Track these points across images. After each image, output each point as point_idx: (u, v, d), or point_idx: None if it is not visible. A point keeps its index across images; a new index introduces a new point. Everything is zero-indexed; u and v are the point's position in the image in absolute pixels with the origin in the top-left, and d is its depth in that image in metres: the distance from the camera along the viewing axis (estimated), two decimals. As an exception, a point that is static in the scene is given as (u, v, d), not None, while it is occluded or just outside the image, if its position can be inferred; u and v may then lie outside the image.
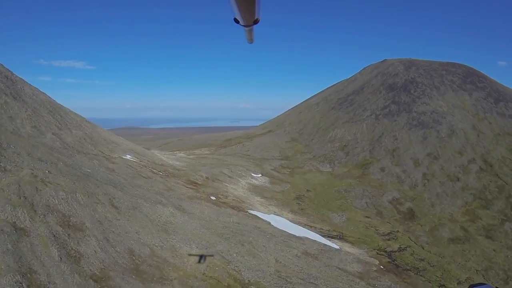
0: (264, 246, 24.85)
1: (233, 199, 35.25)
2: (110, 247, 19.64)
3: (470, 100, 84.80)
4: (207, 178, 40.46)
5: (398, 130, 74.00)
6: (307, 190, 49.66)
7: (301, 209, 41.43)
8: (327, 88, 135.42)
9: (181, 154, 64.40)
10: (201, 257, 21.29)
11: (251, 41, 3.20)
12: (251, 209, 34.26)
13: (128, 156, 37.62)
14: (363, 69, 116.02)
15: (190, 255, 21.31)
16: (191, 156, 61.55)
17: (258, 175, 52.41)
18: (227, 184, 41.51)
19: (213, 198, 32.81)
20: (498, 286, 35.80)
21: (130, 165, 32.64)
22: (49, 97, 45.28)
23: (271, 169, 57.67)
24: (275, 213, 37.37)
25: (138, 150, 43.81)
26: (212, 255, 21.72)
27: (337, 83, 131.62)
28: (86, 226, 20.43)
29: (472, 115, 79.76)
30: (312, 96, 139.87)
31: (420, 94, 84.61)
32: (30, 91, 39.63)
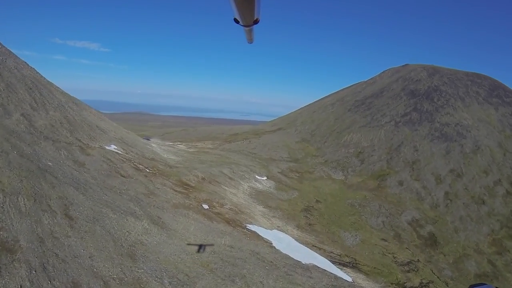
0: (261, 282, 18.82)
1: (230, 209, 29.24)
2: (45, 280, 13.84)
3: (496, 115, 77.42)
4: (203, 179, 34.49)
5: (419, 140, 67.17)
6: (317, 201, 43.47)
7: (309, 225, 35.31)
8: (343, 89, 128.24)
9: (181, 146, 58.66)
10: None
11: (251, 41, 3.16)
12: (250, 223, 28.27)
13: (112, 147, 31.79)
14: (382, 72, 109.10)
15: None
16: (191, 149, 55.73)
17: (263, 178, 46.36)
18: (225, 188, 35.56)
19: (205, 206, 26.84)
20: (498, 286, 32.43)
21: (109, 159, 26.75)
22: (37, 73, 39.67)
23: (278, 172, 51.51)
24: (278, 228, 31.38)
25: (129, 140, 38.01)
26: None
27: (354, 85, 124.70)
28: (20, 245, 14.65)
29: (498, 131, 72.39)
30: (326, 96, 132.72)
31: (443, 104, 77.51)
32: (13, 64, 33.95)
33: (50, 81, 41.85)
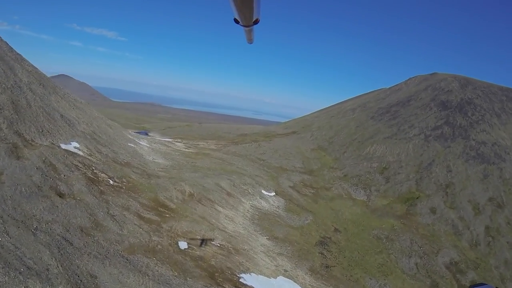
0: None
1: (220, 247, 20.45)
2: None
3: (536, 136, 67.19)
4: (190, 195, 25.78)
5: (452, 159, 57.29)
6: (335, 230, 34.38)
7: (326, 267, 26.33)
8: (365, 94, 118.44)
9: (179, 145, 50.24)
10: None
11: (251, 41, 3.13)
12: (246, 271, 19.52)
13: (72, 145, 23.31)
14: (408, 80, 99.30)
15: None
16: (189, 150, 47.22)
17: (270, 194, 37.46)
18: (220, 209, 26.81)
19: (182, 246, 18.10)
20: (498, 286, 29.57)
21: (51, 165, 18.23)
22: (7, 46, 31.82)
23: (290, 186, 42.53)
24: (285, 274, 22.57)
25: (104, 135, 29.48)
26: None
27: (376, 91, 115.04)
28: None
29: (541, 155, 62.08)
30: (346, 100, 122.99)
31: (478, 119, 67.41)
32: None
33: (24, 57, 33.70)
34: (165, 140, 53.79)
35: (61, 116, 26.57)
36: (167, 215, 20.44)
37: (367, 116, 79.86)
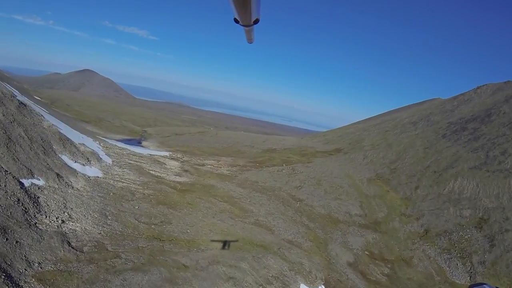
0: None
1: None
2: None
3: None
4: None
5: None
6: None
7: None
8: (421, 103, 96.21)
9: (172, 165, 31.68)
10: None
11: (251, 41, 3.03)
12: None
13: None
14: (477, 88, 77.31)
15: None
16: (181, 179, 28.52)
17: (317, 291, 17.94)
18: None
19: None
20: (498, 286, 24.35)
21: None
22: None
23: (349, 264, 22.71)
24: None
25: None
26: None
27: (433, 100, 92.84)
28: None
29: None
30: (397, 109, 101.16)
31: None
32: None
33: None
34: (156, 155, 35.33)
35: None
36: None
37: (435, 133, 58.35)
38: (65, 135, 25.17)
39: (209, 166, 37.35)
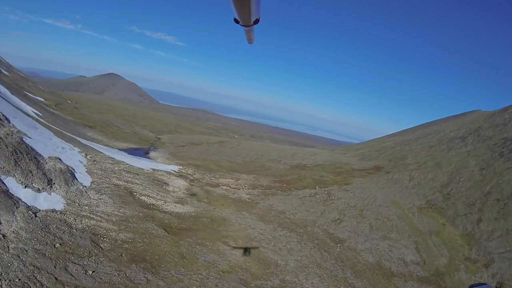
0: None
1: None
2: None
3: None
4: None
5: None
6: None
7: None
8: (462, 115, 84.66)
9: (179, 185, 24.45)
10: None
11: (251, 41, 3.00)
12: None
13: None
14: None
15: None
16: (185, 208, 21.11)
17: None
18: None
19: None
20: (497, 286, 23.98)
21: None
22: None
23: None
24: None
25: None
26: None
27: (476, 111, 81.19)
28: None
29: None
30: (435, 121, 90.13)
31: None
32: None
33: None
34: (160, 171, 28.25)
35: None
36: None
37: (490, 151, 47.94)
38: (29, 146, 18.42)
39: (224, 187, 29.72)
